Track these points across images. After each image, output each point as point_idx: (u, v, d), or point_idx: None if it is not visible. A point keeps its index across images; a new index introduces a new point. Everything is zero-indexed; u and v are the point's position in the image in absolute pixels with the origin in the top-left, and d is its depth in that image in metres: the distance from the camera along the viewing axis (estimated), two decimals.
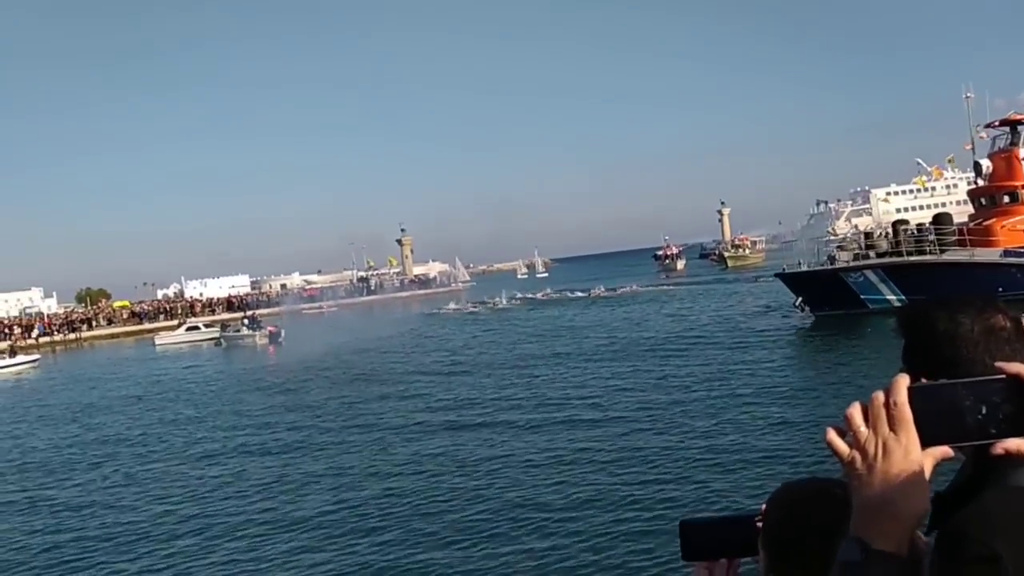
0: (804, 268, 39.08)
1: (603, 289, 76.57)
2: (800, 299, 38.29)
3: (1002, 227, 35.88)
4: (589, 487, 15.21)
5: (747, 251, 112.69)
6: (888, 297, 35.94)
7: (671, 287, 76.20)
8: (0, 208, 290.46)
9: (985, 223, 37.33)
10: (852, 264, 37.18)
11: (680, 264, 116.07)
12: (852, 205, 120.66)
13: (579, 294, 75.87)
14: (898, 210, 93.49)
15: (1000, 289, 29.96)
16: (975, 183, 42.17)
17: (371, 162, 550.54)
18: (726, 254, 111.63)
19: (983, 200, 39.26)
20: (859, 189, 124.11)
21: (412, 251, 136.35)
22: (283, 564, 12.94)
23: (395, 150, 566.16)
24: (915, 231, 37.19)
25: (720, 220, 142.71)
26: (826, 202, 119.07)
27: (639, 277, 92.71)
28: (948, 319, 1.43)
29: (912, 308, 1.52)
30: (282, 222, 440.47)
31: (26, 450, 25.93)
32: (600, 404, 23.36)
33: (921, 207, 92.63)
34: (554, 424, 21.30)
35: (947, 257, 34.91)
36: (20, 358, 62.73)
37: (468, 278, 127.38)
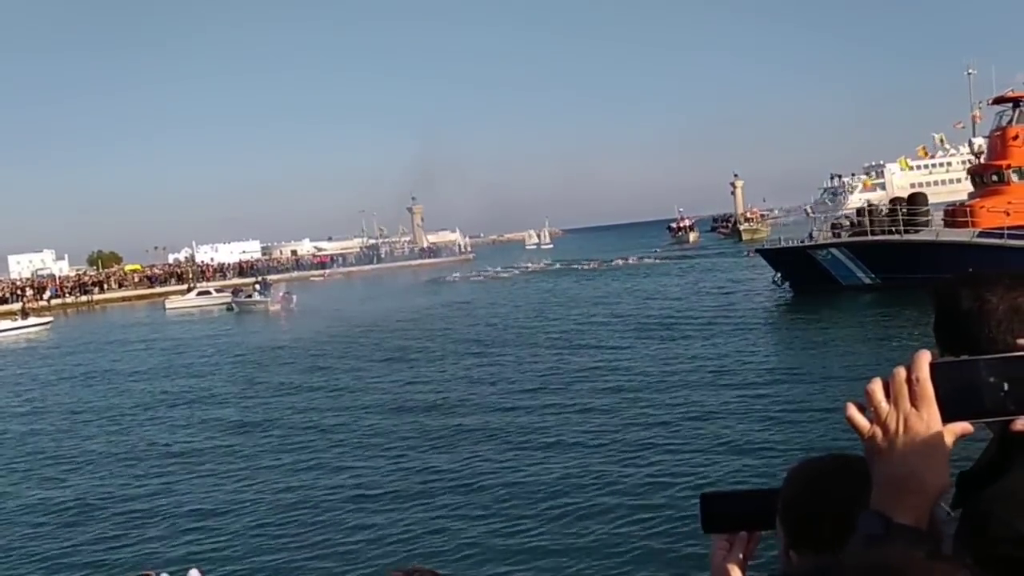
0: (781, 245, 40.28)
1: (597, 262, 78.37)
2: (779, 275, 39.42)
3: (981, 208, 35.73)
4: (604, 460, 15.21)
5: (758, 224, 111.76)
6: (858, 275, 36.60)
7: (658, 261, 77.42)
8: (14, 171, 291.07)
9: (967, 203, 37.46)
10: (820, 242, 38.16)
11: (693, 236, 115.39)
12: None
13: (574, 266, 77.67)
14: (912, 185, 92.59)
15: (970, 270, 30.10)
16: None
17: (385, 128, 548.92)
18: (741, 227, 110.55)
19: (975, 179, 39.19)
20: (874, 163, 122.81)
21: (423, 220, 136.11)
22: (302, 534, 13.04)
23: (409, 117, 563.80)
24: (887, 210, 37.34)
25: (733, 192, 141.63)
26: (840, 176, 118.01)
27: (649, 250, 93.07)
28: (974, 296, 1.43)
29: (942, 283, 1.51)
30: (294, 188, 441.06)
31: (47, 413, 26.07)
32: (603, 378, 23.41)
33: (936, 182, 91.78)
34: (558, 396, 21.40)
35: (910, 237, 35.08)
36: (33, 320, 62.83)
37: (469, 248, 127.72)
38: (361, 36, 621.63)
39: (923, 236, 34.91)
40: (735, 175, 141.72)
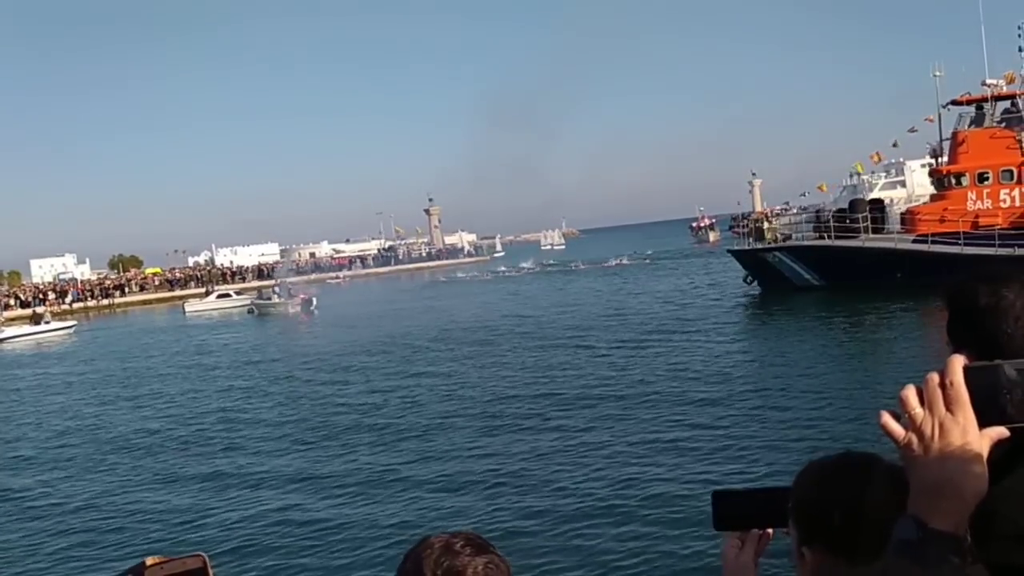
0: (746, 247, 42.31)
1: (590, 263, 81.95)
2: (747, 274, 40.97)
3: (916, 214, 36.59)
4: (617, 457, 15.21)
5: (775, 223, 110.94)
6: (806, 276, 37.75)
7: (649, 262, 79.74)
8: (36, 176, 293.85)
9: (912, 209, 38.53)
10: (765, 245, 40.10)
11: (713, 236, 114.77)
12: (886, 177, 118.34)
13: (570, 266, 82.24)
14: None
15: (899, 275, 32.17)
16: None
17: (403, 130, 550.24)
18: (765, 226, 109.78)
19: (933, 183, 39.78)
20: (894, 161, 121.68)
21: (440, 221, 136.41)
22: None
23: (427, 119, 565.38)
24: (835, 215, 38.52)
25: (751, 191, 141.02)
26: (859, 173, 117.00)
27: (665, 249, 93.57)
28: (991, 293, 1.44)
29: (958, 281, 1.53)
30: (312, 191, 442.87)
31: (75, 414, 26.26)
32: (604, 375, 23.45)
33: None
34: (580, 398, 21.34)
35: (837, 243, 36.31)
36: (57, 324, 62.77)
37: (473, 250, 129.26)
38: (380, 37, 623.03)
39: (847, 242, 36.00)
40: (753, 173, 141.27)
